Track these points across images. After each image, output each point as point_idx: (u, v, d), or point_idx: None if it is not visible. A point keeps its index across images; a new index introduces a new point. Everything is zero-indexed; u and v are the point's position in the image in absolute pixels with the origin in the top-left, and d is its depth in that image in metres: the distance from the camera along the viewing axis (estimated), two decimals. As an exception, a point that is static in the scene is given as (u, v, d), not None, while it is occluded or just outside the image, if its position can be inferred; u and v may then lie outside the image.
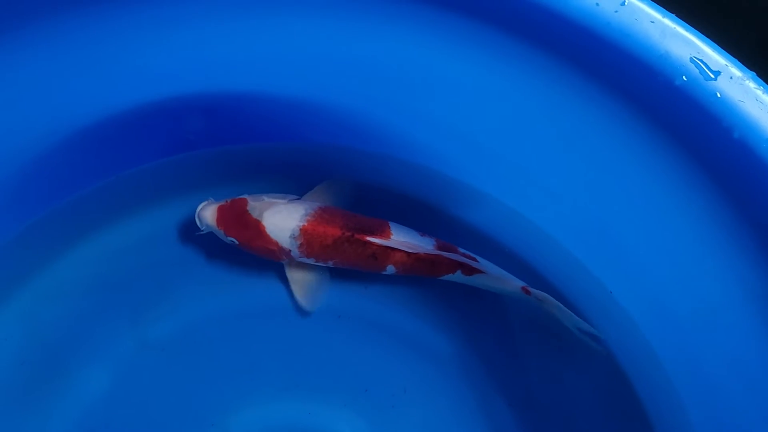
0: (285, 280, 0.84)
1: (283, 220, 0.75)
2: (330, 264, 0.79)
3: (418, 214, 0.83)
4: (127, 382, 0.82)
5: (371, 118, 0.75)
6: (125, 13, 0.63)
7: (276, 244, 0.76)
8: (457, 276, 0.78)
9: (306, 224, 0.75)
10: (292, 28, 0.67)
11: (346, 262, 0.78)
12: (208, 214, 0.77)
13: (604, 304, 0.75)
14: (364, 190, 0.84)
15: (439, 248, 0.77)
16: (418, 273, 0.79)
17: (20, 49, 0.62)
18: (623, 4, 0.53)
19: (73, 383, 0.82)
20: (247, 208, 0.76)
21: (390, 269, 0.78)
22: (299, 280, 0.80)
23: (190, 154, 0.83)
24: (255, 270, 0.84)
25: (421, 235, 0.78)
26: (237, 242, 0.77)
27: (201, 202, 0.78)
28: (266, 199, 0.77)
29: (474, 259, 0.78)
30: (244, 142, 0.81)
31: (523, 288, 0.78)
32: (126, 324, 0.84)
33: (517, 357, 0.83)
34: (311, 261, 0.78)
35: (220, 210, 0.77)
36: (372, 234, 0.76)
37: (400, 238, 0.76)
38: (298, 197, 0.79)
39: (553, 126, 0.68)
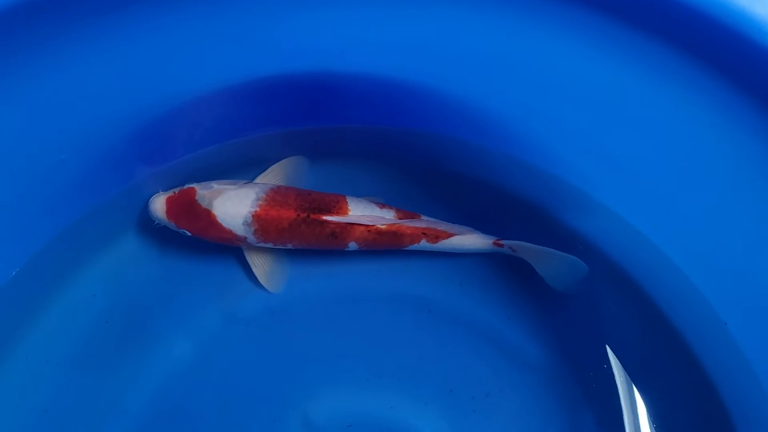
0: (375, 267, 0.82)
1: (233, 207, 0.73)
2: (289, 246, 0.77)
3: (523, 215, 0.80)
4: (209, 354, 0.81)
5: (492, 112, 0.73)
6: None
7: (230, 232, 0.74)
8: (423, 245, 0.77)
9: (258, 209, 0.73)
10: (428, 16, 0.65)
11: (305, 243, 0.76)
12: (157, 206, 0.74)
13: (715, 333, 0.72)
14: (468, 183, 0.82)
15: (400, 217, 0.76)
16: (382, 246, 0.77)
17: (149, 18, 0.61)
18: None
19: (156, 348, 0.81)
20: (196, 197, 0.74)
21: (352, 245, 0.76)
22: (259, 263, 0.78)
23: (294, 129, 0.81)
24: (349, 255, 0.82)
25: (381, 207, 0.76)
26: (189, 233, 0.75)
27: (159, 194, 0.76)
28: (215, 186, 0.75)
29: (438, 224, 0.77)
30: (357, 122, 0.79)
31: (495, 242, 0.77)
32: (213, 296, 0.83)
33: (610, 373, 0.79)
34: (269, 245, 0.76)
35: (169, 202, 0.74)
36: (329, 212, 0.74)
37: (358, 213, 0.75)
38: (248, 181, 0.77)
39: (685, 138, 0.65)
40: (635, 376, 0.77)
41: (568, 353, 0.80)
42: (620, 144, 0.69)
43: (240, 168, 0.82)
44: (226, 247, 0.81)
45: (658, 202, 0.71)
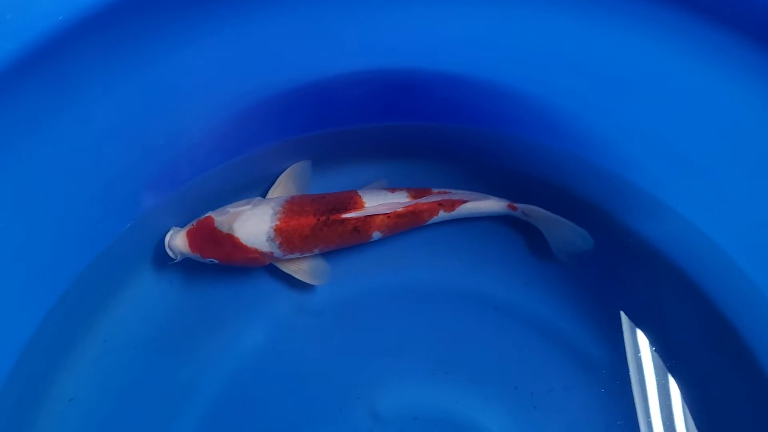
0: (442, 264, 0.84)
1: (254, 225, 0.75)
2: (316, 251, 0.78)
3: (589, 217, 0.82)
4: (280, 343, 0.84)
5: (568, 113, 0.75)
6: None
7: (255, 251, 0.75)
8: (442, 216, 0.79)
9: (279, 223, 0.75)
10: (511, 16, 0.67)
11: (331, 244, 0.78)
12: (178, 242, 0.75)
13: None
14: (534, 184, 0.84)
15: (413, 197, 0.77)
16: (405, 228, 0.79)
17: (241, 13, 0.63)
18: None
19: (229, 336, 0.83)
20: (215, 225, 0.75)
21: (376, 235, 0.78)
22: (296, 267, 0.80)
23: (374, 125, 0.83)
24: (419, 251, 0.84)
25: (392, 192, 0.78)
26: (217, 261, 0.76)
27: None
28: (231, 210, 0.76)
29: (449, 193, 0.78)
30: (435, 120, 0.81)
31: (509, 205, 0.79)
32: (285, 285, 0.84)
33: (669, 379, 0.80)
34: (296, 255, 0.77)
35: (190, 235, 0.75)
36: (346, 210, 0.76)
37: (373, 203, 0.76)
38: (261, 198, 0.78)
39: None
40: (697, 383, 0.77)
41: (631, 355, 0.81)
42: (698, 149, 0.70)
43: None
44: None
45: (732, 209, 0.72)
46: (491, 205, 0.79)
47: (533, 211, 0.79)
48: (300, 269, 0.79)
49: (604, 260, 0.83)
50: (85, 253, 0.73)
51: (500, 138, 0.82)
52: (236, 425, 0.80)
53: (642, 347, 0.80)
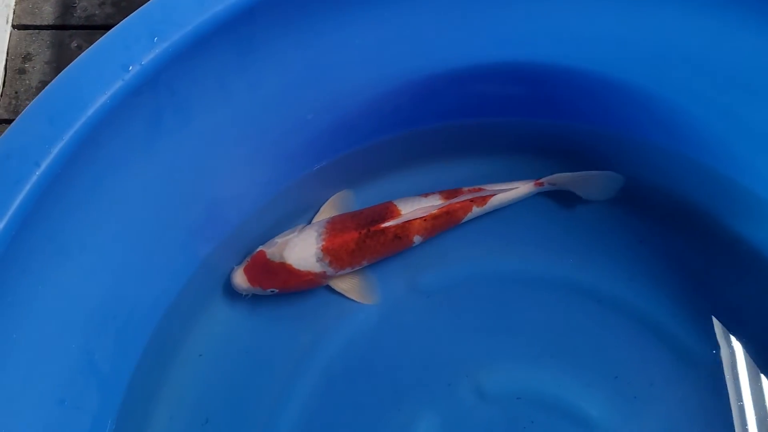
0: (546, 256, 0.88)
1: (303, 250, 0.79)
2: (365, 263, 0.83)
3: (696, 222, 0.86)
4: (393, 319, 0.88)
5: (687, 114, 0.79)
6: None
7: (309, 273, 0.80)
8: (475, 212, 0.83)
9: (325, 243, 0.79)
10: (641, 13, 0.71)
11: (377, 255, 0.82)
12: (239, 280, 0.80)
13: None
14: (641, 186, 0.87)
15: (446, 198, 0.81)
16: (442, 229, 0.83)
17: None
18: None
19: (345, 308, 0.88)
20: (268, 257, 0.80)
21: (417, 239, 0.82)
22: (347, 288, 0.84)
23: (494, 119, 0.89)
24: (529, 241, 0.89)
25: (425, 197, 0.82)
26: (277, 290, 0.81)
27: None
28: (278, 240, 0.81)
29: (481, 189, 0.82)
30: (550, 117, 0.86)
31: (535, 183, 0.83)
32: (399, 266, 0.89)
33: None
34: (348, 271, 0.82)
35: (246, 271, 0.80)
36: (384, 219, 0.80)
37: (409, 209, 0.81)
38: (304, 225, 0.84)
39: None
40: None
41: (734, 354, 0.83)
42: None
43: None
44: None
45: None
46: (520, 189, 0.84)
47: (558, 179, 0.84)
48: (351, 289, 0.84)
49: (709, 261, 0.86)
50: (242, 211, 0.79)
51: (611, 137, 0.87)
52: (350, 390, 0.84)
53: (737, 349, 0.82)
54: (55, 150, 0.55)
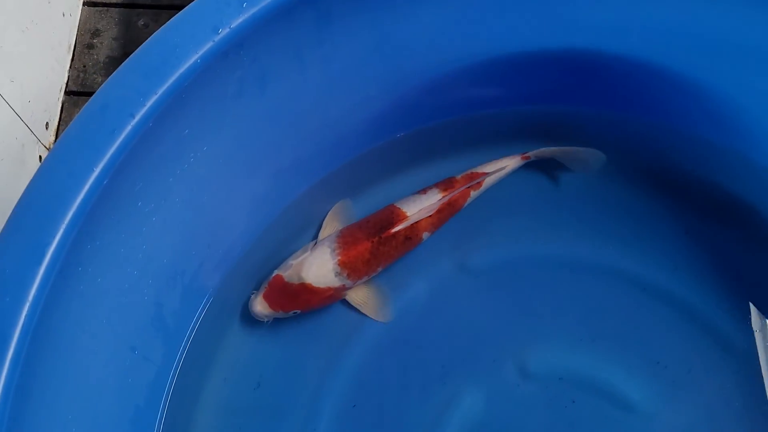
0: (590, 242, 0.90)
1: (320, 267, 0.81)
2: (380, 270, 0.85)
3: (742, 217, 0.88)
4: (441, 298, 0.91)
5: (740, 107, 0.81)
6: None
7: (329, 288, 0.81)
8: (473, 196, 0.86)
9: (340, 257, 0.81)
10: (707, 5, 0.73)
11: (391, 259, 0.84)
12: (259, 307, 0.81)
13: None
14: (684, 179, 0.90)
15: (444, 190, 0.84)
16: (446, 220, 0.86)
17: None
18: None
19: (394, 289, 0.90)
20: (286, 280, 0.81)
21: (425, 236, 0.85)
22: (362, 303, 0.86)
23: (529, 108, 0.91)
24: (575, 228, 0.92)
25: (424, 193, 0.85)
26: (300, 311, 0.82)
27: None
28: (293, 262, 0.82)
29: (472, 174, 0.85)
30: (598, 107, 0.89)
31: (522, 156, 0.86)
32: (448, 247, 0.92)
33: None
34: (365, 279, 0.84)
35: (266, 297, 0.81)
36: (393, 224, 0.82)
37: (413, 209, 0.83)
38: (314, 242, 0.85)
39: None
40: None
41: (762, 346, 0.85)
42: None
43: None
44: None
45: None
46: (509, 165, 0.87)
47: (544, 152, 0.87)
48: (366, 304, 0.86)
49: (750, 253, 0.88)
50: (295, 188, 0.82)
51: (657, 128, 0.89)
52: (397, 363, 0.87)
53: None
54: (149, 103, 0.58)
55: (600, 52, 0.81)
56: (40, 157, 1.04)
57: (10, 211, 0.54)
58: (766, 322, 0.85)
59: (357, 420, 0.84)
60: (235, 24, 0.60)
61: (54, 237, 0.53)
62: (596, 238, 0.91)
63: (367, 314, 0.85)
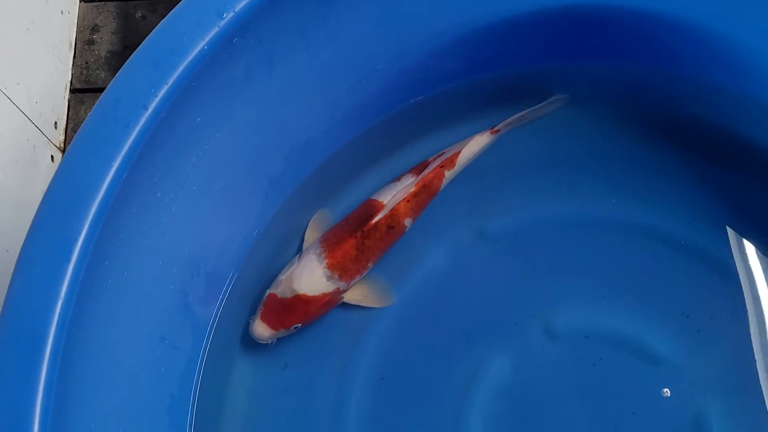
0: (607, 200, 0.90)
1: (310, 275, 0.80)
2: (370, 266, 0.84)
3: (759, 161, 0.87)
4: (461, 265, 0.91)
5: (747, 51, 0.80)
6: None
7: (325, 295, 0.81)
8: (448, 176, 0.85)
9: (328, 260, 0.80)
10: None
11: (379, 252, 0.83)
12: (260, 330, 0.79)
13: None
14: (701, 126, 0.90)
15: (417, 173, 0.84)
16: (426, 203, 0.85)
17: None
18: None
19: (415, 259, 0.91)
20: (279, 296, 0.80)
21: (408, 222, 0.84)
22: (360, 296, 0.85)
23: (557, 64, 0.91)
24: (592, 182, 0.91)
25: (397, 180, 0.84)
26: (301, 325, 0.81)
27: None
28: (282, 277, 0.81)
29: (443, 153, 0.85)
30: (610, 59, 0.89)
31: (491, 131, 0.86)
32: (464, 214, 0.93)
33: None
34: (358, 278, 0.83)
35: (264, 318, 0.80)
36: (372, 216, 0.82)
37: (388, 198, 0.82)
38: (298, 253, 0.85)
39: None
40: None
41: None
42: None
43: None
44: (481, 170, 0.91)
45: None
46: (480, 142, 0.87)
47: (509, 121, 0.87)
48: (364, 295, 0.85)
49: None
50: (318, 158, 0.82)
51: (670, 76, 0.89)
52: (421, 333, 0.88)
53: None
54: (161, 93, 0.58)
55: (604, 4, 0.80)
56: (52, 157, 1.04)
57: (28, 212, 0.54)
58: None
59: (386, 392, 0.85)
60: (239, 7, 0.60)
61: (80, 233, 0.54)
62: (612, 195, 0.91)
63: (371, 306, 0.85)
